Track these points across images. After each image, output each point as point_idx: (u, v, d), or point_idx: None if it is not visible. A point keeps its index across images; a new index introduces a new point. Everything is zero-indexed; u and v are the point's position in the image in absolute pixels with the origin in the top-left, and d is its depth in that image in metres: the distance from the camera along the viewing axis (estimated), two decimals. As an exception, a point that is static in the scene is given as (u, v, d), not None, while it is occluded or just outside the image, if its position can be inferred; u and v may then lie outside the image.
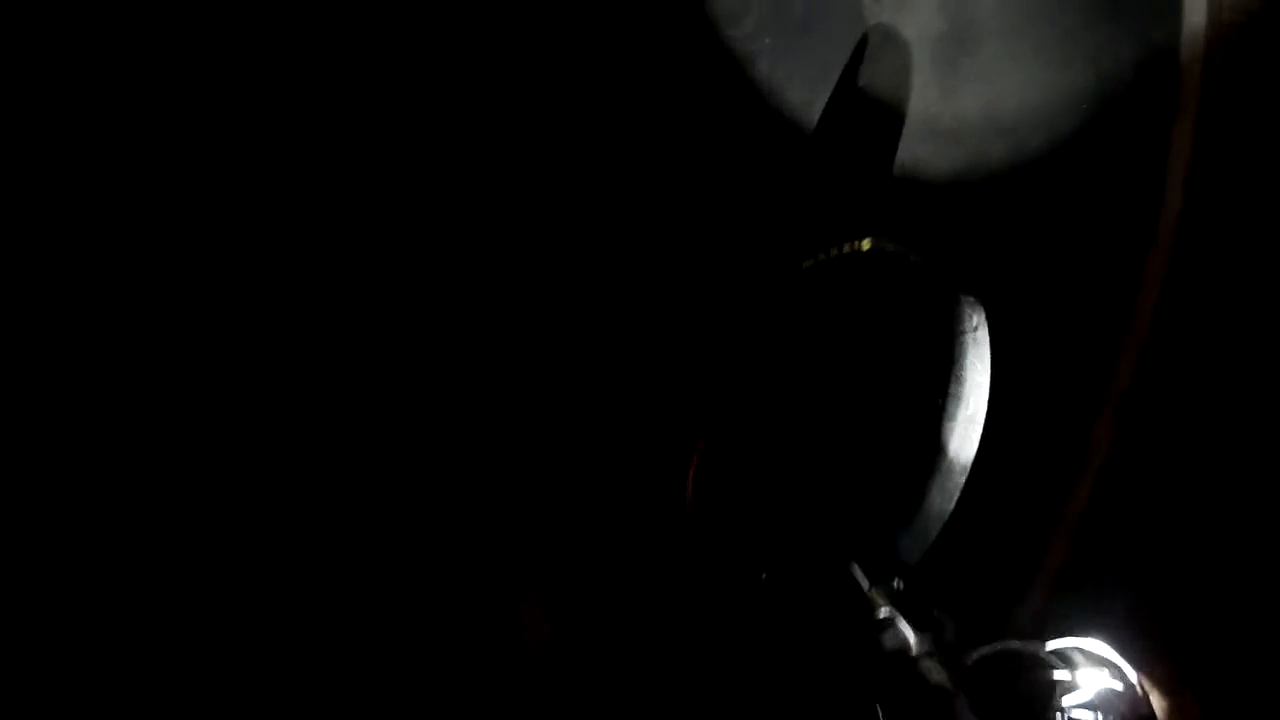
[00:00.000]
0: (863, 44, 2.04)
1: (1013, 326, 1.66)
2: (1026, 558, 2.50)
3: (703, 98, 1.95)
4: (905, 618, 1.24)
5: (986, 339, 1.57)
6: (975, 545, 1.78)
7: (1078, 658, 1.21)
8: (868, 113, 2.06)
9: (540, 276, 1.87)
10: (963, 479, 1.54)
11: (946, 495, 1.53)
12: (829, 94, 2.02)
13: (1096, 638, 1.24)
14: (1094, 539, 2.52)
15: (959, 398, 1.52)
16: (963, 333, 1.57)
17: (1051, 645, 1.25)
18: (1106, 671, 1.18)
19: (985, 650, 1.24)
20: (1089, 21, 2.20)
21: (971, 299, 1.60)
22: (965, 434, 1.53)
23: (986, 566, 2.36)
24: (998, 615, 2.49)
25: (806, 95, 2.02)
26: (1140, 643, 1.22)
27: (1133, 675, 1.18)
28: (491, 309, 1.83)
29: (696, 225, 1.96)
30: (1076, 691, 1.16)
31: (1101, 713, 1.14)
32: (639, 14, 1.89)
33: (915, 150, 2.06)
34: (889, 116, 2.07)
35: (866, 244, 1.76)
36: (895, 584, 1.35)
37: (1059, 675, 1.19)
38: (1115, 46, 2.25)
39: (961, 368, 1.54)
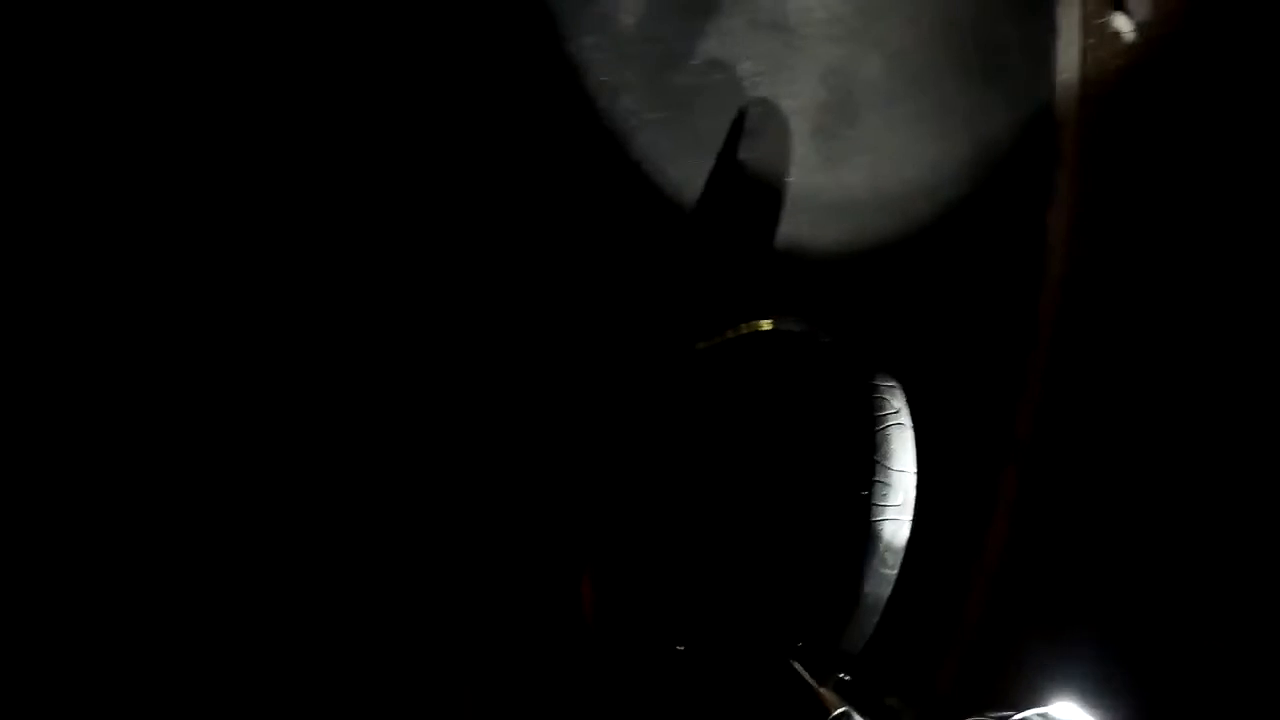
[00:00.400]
0: (743, 118, 2.01)
1: (909, 391, 1.65)
2: (943, 618, 2.48)
3: (578, 175, 1.88)
4: (860, 713, 1.22)
5: (909, 424, 1.54)
6: (892, 611, 1.75)
7: None
8: (750, 187, 2.02)
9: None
10: (898, 565, 1.50)
11: (883, 582, 1.49)
12: (710, 170, 1.98)
13: (1066, 701, 1.24)
14: (1008, 593, 2.53)
15: (887, 486, 1.48)
16: (884, 420, 1.52)
17: (1021, 716, 1.22)
18: None
19: None
20: (964, 88, 2.23)
21: (891, 383, 1.56)
22: (897, 523, 1.49)
23: (904, 631, 2.33)
24: (920, 680, 2.46)
25: (688, 172, 1.98)
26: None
27: None
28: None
29: (575, 309, 1.88)
30: None
31: None
32: (513, 88, 1.82)
33: (800, 224, 2.03)
34: (772, 190, 2.04)
35: (767, 324, 1.69)
36: (843, 678, 1.33)
37: None
38: (992, 108, 2.29)
39: (886, 456, 1.49)
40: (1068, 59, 2.54)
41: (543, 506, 1.84)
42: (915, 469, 1.52)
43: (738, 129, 2.01)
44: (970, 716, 1.25)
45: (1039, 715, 1.23)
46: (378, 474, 1.72)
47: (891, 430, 1.51)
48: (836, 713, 1.23)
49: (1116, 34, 2.67)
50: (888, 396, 1.53)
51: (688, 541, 1.62)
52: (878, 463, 1.48)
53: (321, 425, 1.67)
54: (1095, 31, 2.67)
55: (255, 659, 1.61)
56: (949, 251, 2.21)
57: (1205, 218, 2.32)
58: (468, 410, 1.80)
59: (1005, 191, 2.31)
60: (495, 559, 1.81)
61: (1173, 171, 2.39)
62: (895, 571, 1.50)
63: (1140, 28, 2.62)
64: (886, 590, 1.50)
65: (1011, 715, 1.23)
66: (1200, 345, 2.28)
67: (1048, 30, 2.51)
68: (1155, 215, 2.45)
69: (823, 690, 1.29)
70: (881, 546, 1.47)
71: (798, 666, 1.34)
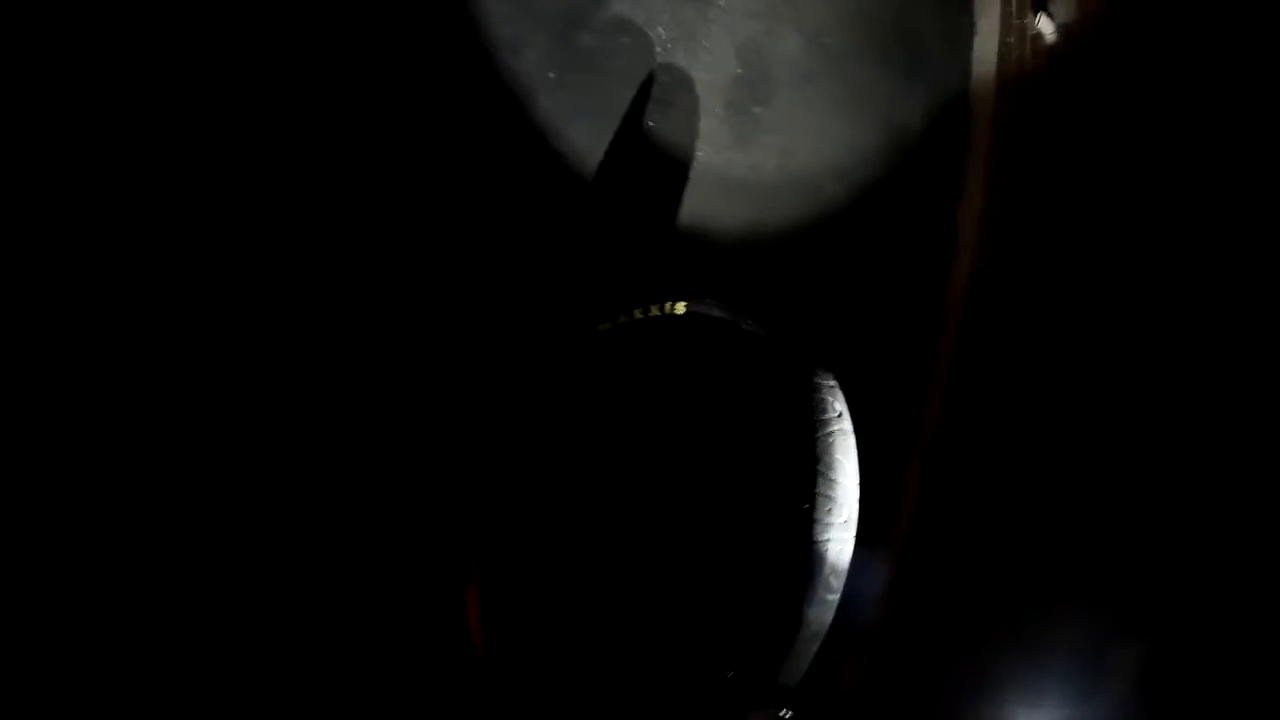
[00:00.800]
0: (652, 86, 1.92)
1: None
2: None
3: (473, 137, 1.75)
4: None
5: (851, 428, 1.33)
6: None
7: None
8: (656, 160, 1.93)
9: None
10: (841, 588, 1.29)
11: (826, 609, 1.28)
12: (615, 138, 1.88)
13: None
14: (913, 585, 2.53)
15: (831, 500, 1.26)
16: (827, 424, 1.30)
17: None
18: None
19: None
20: (881, 75, 2.20)
21: (832, 382, 1.35)
22: (842, 541, 1.28)
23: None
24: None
25: (592, 137, 1.87)
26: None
27: None
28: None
29: (462, 282, 1.74)
30: None
31: None
32: (406, 38, 1.68)
33: (707, 201, 1.95)
34: (679, 164, 1.95)
35: (680, 306, 1.44)
36: (785, 714, 1.19)
37: None
38: (907, 97, 2.27)
39: (830, 465, 1.28)
40: (985, 55, 2.54)
41: (424, 504, 1.64)
42: (858, 480, 1.32)
43: (646, 97, 1.92)
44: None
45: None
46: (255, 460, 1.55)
47: (835, 437, 1.31)
48: None
49: (1038, 34, 2.69)
50: (829, 398, 1.33)
51: (594, 549, 1.30)
52: (820, 473, 1.27)
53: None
54: (1015, 31, 2.69)
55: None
56: (857, 237, 2.18)
57: (1113, 215, 2.35)
58: (343, 395, 1.61)
59: (916, 180, 2.29)
60: (369, 563, 1.60)
61: (1083, 169, 2.42)
62: (838, 596, 1.30)
63: (1061, 30, 2.65)
64: (829, 616, 1.29)
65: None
66: (1104, 336, 2.31)
67: (967, 26, 2.51)
68: (1063, 211, 2.48)
69: None
70: (826, 569, 1.26)
71: (729, 700, 1.15)
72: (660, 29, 1.93)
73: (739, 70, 2.03)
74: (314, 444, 1.57)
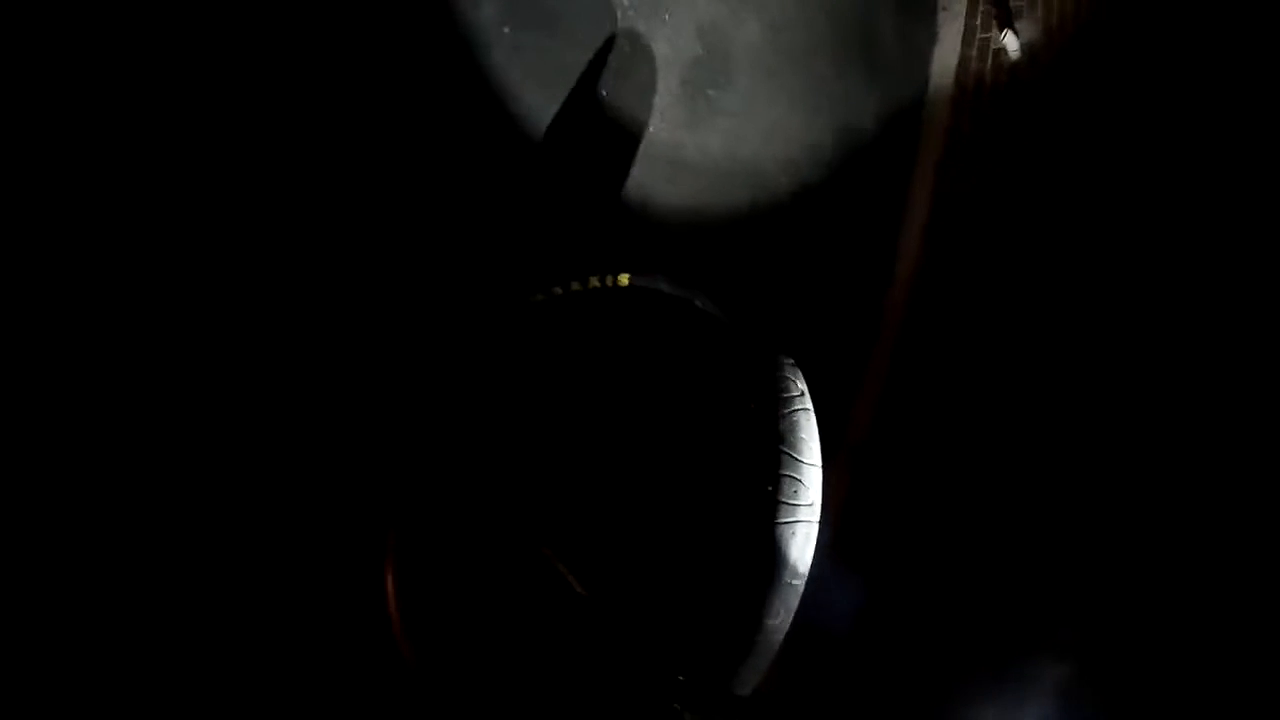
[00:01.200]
0: (609, 50, 1.87)
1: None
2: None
3: (425, 90, 1.67)
4: None
5: (812, 408, 1.24)
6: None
7: None
8: (607, 128, 1.89)
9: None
10: (802, 585, 1.18)
11: (786, 608, 1.17)
12: (565, 100, 1.83)
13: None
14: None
15: (798, 482, 1.18)
16: (790, 403, 1.23)
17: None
18: None
19: None
20: (841, 72, 2.20)
21: (791, 361, 1.27)
22: (809, 526, 1.18)
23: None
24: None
25: (542, 99, 1.81)
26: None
27: None
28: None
29: (393, 243, 1.64)
30: None
31: None
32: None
33: (654, 176, 1.92)
34: (629, 135, 1.91)
35: (624, 279, 1.35)
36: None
37: None
38: (863, 98, 2.28)
39: (794, 446, 1.19)
40: (944, 65, 2.58)
41: (343, 480, 1.50)
42: (821, 463, 1.23)
43: (602, 64, 1.87)
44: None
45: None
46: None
47: (799, 415, 1.23)
48: None
49: (1001, 50, 2.74)
50: (790, 376, 1.26)
51: (532, 537, 1.19)
52: (784, 453, 1.18)
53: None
54: (978, 45, 2.74)
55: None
56: (801, 232, 2.18)
57: (1060, 232, 2.41)
58: (265, 368, 1.47)
59: (864, 182, 2.31)
60: (285, 546, 1.45)
61: (1032, 185, 2.49)
62: (800, 592, 1.19)
63: (1025, 49, 2.71)
64: (788, 615, 1.19)
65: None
66: (1042, 345, 2.37)
67: (929, 35, 2.54)
68: (1008, 224, 2.54)
69: None
70: (791, 556, 1.16)
71: (678, 708, 1.05)
72: (624, -3, 1.88)
73: (699, 50, 1.99)
74: (232, 413, 1.45)
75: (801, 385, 1.26)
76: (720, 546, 1.15)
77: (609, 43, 1.87)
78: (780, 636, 1.17)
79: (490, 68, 1.76)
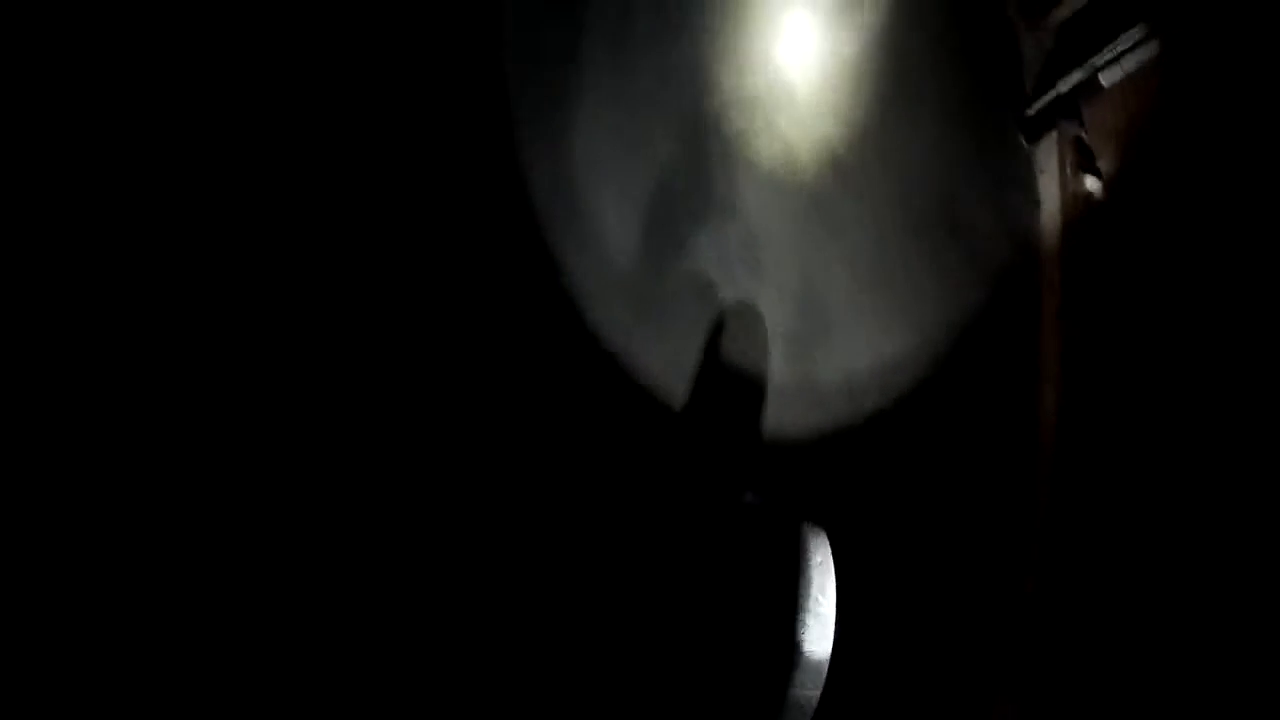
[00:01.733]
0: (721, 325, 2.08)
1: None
2: None
3: (565, 391, 1.89)
4: None
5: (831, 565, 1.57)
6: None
7: None
8: (729, 382, 2.07)
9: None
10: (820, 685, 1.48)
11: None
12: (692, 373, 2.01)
13: None
14: None
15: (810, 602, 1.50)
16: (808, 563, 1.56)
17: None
18: None
19: None
20: (940, 279, 2.27)
21: (818, 530, 1.60)
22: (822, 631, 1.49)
23: None
24: None
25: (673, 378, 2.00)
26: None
27: None
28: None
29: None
30: None
31: None
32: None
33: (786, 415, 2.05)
34: (751, 383, 2.08)
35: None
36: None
37: None
38: (969, 287, 2.31)
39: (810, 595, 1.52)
40: (1050, 224, 2.59)
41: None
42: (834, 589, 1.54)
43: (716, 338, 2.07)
44: None
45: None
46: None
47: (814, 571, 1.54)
48: None
49: (1088, 194, 2.74)
50: (812, 538, 1.58)
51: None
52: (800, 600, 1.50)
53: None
54: (1072, 193, 2.75)
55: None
56: (938, 435, 2.21)
57: (1194, 384, 2.30)
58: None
59: (986, 371, 2.32)
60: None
61: (1156, 339, 2.40)
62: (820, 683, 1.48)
63: (1106, 183, 2.69)
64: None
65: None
66: (1197, 508, 2.22)
67: (1031, 201, 2.54)
68: (1145, 377, 2.44)
69: None
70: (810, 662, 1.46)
71: None
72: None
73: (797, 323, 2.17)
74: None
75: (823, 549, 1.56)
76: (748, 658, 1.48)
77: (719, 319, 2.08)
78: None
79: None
